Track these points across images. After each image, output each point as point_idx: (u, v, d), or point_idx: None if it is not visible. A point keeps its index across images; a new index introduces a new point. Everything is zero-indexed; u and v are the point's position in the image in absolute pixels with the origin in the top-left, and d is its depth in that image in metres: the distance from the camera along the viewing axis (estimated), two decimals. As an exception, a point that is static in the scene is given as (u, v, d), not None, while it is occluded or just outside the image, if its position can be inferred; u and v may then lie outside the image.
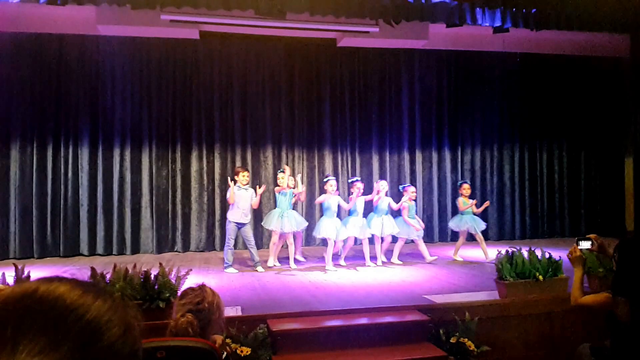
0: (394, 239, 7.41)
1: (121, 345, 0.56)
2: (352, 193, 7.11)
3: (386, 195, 7.45)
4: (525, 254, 5.12)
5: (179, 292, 2.75)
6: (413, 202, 7.48)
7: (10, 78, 8.29)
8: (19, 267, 4.58)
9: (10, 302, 0.55)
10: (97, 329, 0.55)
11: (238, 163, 9.11)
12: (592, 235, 3.39)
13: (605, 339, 3.35)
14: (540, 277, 4.96)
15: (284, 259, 7.35)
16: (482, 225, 7.64)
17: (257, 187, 7.20)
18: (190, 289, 2.53)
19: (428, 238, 9.00)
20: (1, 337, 0.51)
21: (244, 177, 6.96)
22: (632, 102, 9.61)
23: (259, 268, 6.86)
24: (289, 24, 7.60)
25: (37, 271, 5.30)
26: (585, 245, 3.33)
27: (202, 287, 2.54)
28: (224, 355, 2.33)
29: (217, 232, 8.94)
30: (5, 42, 8.14)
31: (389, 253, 7.48)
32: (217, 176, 9.06)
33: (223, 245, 8.89)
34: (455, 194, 9.91)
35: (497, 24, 7.40)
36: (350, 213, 7.20)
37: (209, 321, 2.39)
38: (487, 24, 7.43)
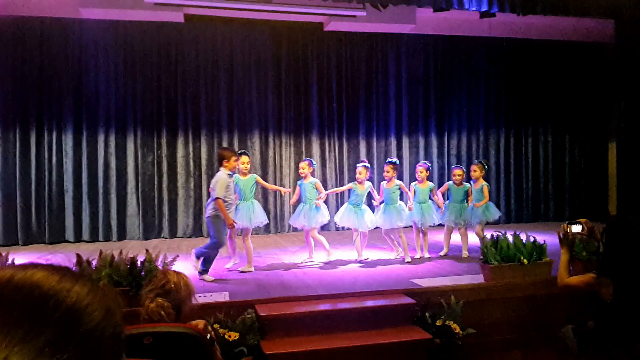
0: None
1: (103, 329, 0.56)
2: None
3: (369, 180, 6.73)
4: (510, 238, 5.18)
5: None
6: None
7: (-9, 62, 8.13)
8: (3, 254, 4.54)
9: None
10: (78, 313, 0.54)
11: (225, 149, 9.05)
12: (582, 220, 3.44)
13: (588, 320, 3.43)
14: (525, 261, 5.03)
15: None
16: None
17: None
18: (153, 275, 2.56)
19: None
20: None
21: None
22: (616, 88, 9.70)
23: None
24: (275, 7, 7.52)
25: (22, 258, 5.26)
26: (575, 229, 3.37)
27: (164, 270, 2.58)
28: (208, 338, 2.35)
29: (204, 218, 8.90)
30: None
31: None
32: (203, 162, 9.00)
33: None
34: (442, 180, 9.98)
35: (484, 8, 7.36)
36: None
37: (181, 301, 2.43)
38: (474, 9, 7.39)
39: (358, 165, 6.61)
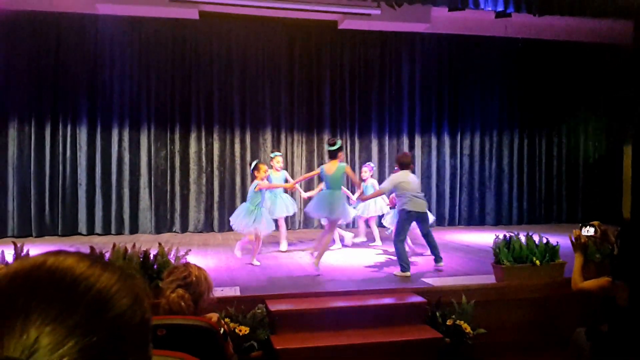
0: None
1: (132, 315, 0.57)
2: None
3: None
4: (523, 238, 5.14)
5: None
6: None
7: (8, 56, 8.22)
8: (18, 245, 4.60)
9: (20, 274, 0.55)
10: (108, 298, 0.55)
11: (237, 145, 9.10)
12: (595, 222, 3.41)
13: (601, 323, 3.39)
14: (537, 262, 4.99)
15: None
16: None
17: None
18: (174, 267, 2.59)
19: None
20: (14, 308, 0.52)
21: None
22: (633, 90, 9.57)
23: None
24: (290, 4, 7.52)
25: (35, 250, 5.30)
26: (588, 232, 3.34)
27: (186, 264, 2.60)
28: (221, 331, 2.36)
29: (216, 213, 8.96)
30: (4, 20, 8.04)
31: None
32: (215, 158, 9.04)
33: (221, 227, 8.94)
34: (454, 179, 9.93)
35: (500, 8, 7.30)
36: None
37: (200, 294, 2.45)
38: (490, 8, 7.33)
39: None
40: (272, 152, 7.66)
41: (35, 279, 0.54)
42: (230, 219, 6.35)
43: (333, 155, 5.75)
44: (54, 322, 0.51)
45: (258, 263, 6.04)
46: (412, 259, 6.41)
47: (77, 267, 0.56)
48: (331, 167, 5.72)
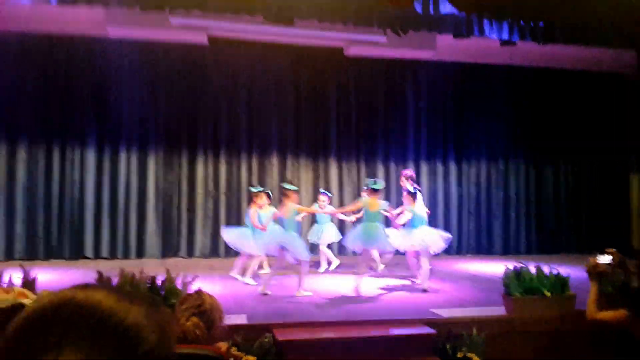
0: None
1: (160, 350, 0.57)
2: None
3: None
4: (533, 269, 5.09)
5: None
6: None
7: (19, 79, 8.31)
8: (26, 268, 4.57)
9: (50, 309, 0.56)
10: (137, 333, 0.56)
11: (244, 170, 9.12)
12: (611, 250, 3.35)
13: (615, 357, 3.32)
14: (548, 294, 4.93)
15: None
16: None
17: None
18: (188, 294, 2.57)
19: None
20: (46, 344, 0.53)
21: None
22: (638, 119, 9.61)
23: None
24: (297, 30, 7.61)
25: (43, 273, 5.29)
26: (605, 260, 3.29)
27: (198, 291, 2.59)
28: None
29: (222, 238, 8.91)
30: (14, 43, 8.16)
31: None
32: (222, 183, 9.04)
33: (227, 252, 8.88)
34: (461, 209, 9.86)
35: (505, 36, 7.40)
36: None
37: (213, 323, 2.42)
38: (495, 37, 7.43)
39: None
40: (252, 186, 7.41)
41: (66, 314, 0.55)
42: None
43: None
44: (87, 357, 0.52)
45: (254, 283, 6.24)
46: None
47: (106, 302, 0.57)
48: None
